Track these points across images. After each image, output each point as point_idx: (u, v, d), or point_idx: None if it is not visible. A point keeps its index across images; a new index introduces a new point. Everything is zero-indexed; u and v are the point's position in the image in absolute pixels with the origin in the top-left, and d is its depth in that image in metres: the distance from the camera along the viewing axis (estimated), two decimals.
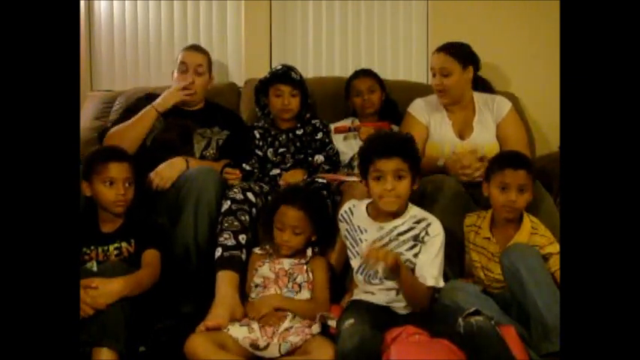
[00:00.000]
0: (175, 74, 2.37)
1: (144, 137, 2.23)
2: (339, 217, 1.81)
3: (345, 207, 1.81)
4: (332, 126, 2.46)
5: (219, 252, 1.85)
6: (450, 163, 2.07)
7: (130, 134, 2.22)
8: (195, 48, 2.45)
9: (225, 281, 1.80)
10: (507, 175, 1.76)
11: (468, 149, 2.17)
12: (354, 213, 1.77)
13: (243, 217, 1.90)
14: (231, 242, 1.85)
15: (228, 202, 1.92)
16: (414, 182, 1.68)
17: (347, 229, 1.77)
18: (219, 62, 2.92)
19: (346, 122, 2.52)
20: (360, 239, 1.72)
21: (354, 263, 1.75)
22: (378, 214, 1.72)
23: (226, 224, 1.88)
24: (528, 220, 1.80)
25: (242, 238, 1.88)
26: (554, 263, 1.71)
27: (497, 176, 1.79)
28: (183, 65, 2.34)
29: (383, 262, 1.54)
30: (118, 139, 2.19)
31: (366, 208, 1.75)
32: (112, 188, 1.77)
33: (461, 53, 2.25)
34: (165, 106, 2.26)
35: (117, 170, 1.78)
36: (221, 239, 1.86)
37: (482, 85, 2.41)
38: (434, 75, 2.27)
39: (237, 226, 1.88)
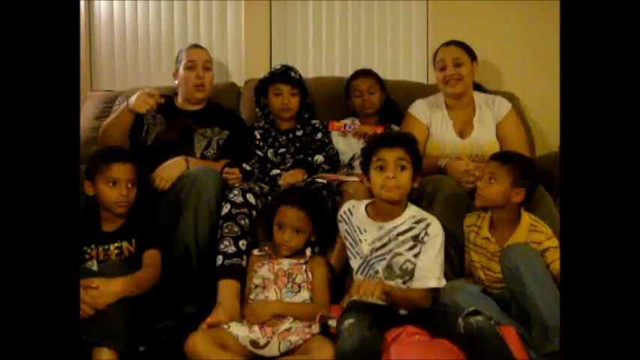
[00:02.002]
0: (182, 73, 2.36)
1: (126, 134, 2.25)
2: (339, 217, 1.81)
3: (345, 207, 1.81)
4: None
5: (219, 260, 1.86)
6: (451, 170, 2.07)
7: (112, 132, 2.25)
8: (199, 46, 2.49)
9: (227, 290, 1.81)
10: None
11: (468, 150, 2.20)
12: (354, 213, 1.77)
13: (242, 222, 1.90)
14: (231, 249, 1.86)
15: (228, 206, 1.92)
16: (415, 179, 1.69)
17: (346, 230, 1.77)
18: (219, 62, 2.92)
19: (346, 122, 2.52)
20: (360, 239, 1.73)
21: (354, 263, 1.75)
22: (377, 214, 1.73)
23: (226, 230, 1.89)
24: (527, 218, 1.81)
25: (242, 244, 1.88)
26: (551, 255, 1.72)
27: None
28: (191, 62, 2.35)
29: (370, 297, 1.55)
30: (104, 136, 2.28)
31: (366, 208, 1.75)
32: (115, 189, 1.77)
33: (469, 48, 2.30)
34: (136, 110, 2.17)
35: (120, 171, 1.78)
36: (221, 246, 1.87)
37: (476, 87, 2.42)
38: (443, 68, 2.28)
39: (236, 231, 1.88)
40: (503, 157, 1.84)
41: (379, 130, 2.36)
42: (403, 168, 1.67)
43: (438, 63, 2.30)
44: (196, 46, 2.47)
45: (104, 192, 1.78)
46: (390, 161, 1.66)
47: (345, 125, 2.43)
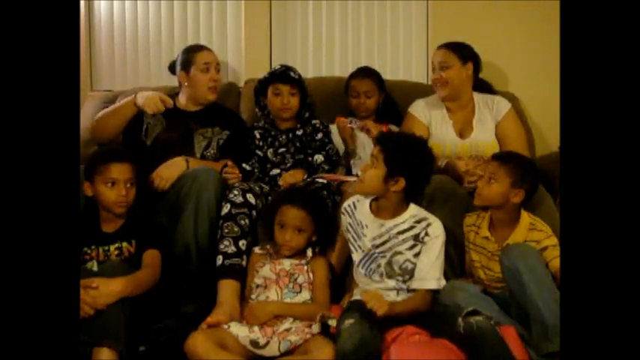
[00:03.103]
0: (194, 74, 2.32)
1: (123, 126, 2.25)
2: (342, 210, 1.81)
3: (349, 201, 1.81)
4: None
5: (220, 260, 1.86)
6: (451, 170, 2.07)
7: (109, 122, 2.26)
8: (209, 48, 2.45)
9: (227, 290, 1.81)
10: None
11: (467, 150, 2.21)
12: (357, 208, 1.78)
13: (242, 222, 1.91)
14: (231, 250, 1.86)
15: (228, 206, 1.92)
16: (391, 179, 1.66)
17: (349, 223, 1.78)
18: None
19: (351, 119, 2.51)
20: (363, 233, 1.73)
21: (356, 257, 1.76)
22: (379, 211, 1.73)
23: (226, 230, 1.89)
24: (526, 217, 1.81)
25: (242, 244, 1.89)
26: (550, 254, 1.72)
27: None
28: (206, 65, 2.33)
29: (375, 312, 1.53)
30: (99, 124, 2.28)
31: (370, 204, 1.75)
32: (114, 189, 1.77)
33: (460, 49, 2.29)
34: (143, 108, 2.18)
35: (118, 171, 1.78)
36: (221, 246, 1.87)
37: (482, 86, 2.41)
38: (433, 71, 2.31)
39: (236, 231, 1.89)
40: (504, 157, 1.85)
41: (384, 128, 2.36)
42: (373, 164, 1.68)
43: (431, 64, 2.34)
44: (207, 48, 2.42)
45: (103, 192, 1.77)
46: (371, 155, 1.72)
47: (350, 121, 2.41)
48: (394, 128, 2.44)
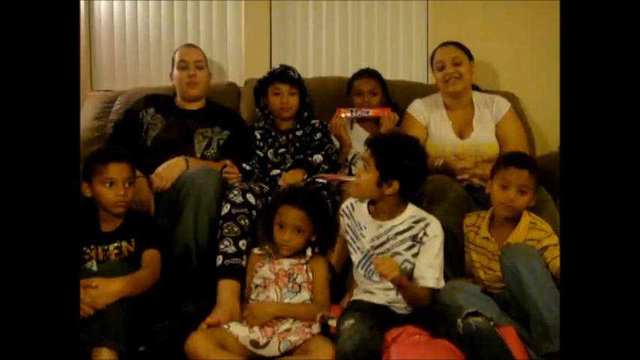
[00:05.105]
0: (175, 73, 2.40)
1: None
2: (341, 211, 1.82)
3: (347, 202, 1.81)
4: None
5: (220, 260, 1.86)
6: (448, 169, 2.08)
7: None
8: (192, 45, 2.52)
9: (227, 290, 1.81)
10: (510, 173, 1.77)
11: (467, 150, 2.20)
12: (356, 209, 1.78)
13: (242, 222, 1.91)
14: (231, 250, 1.86)
15: (228, 206, 1.92)
16: (385, 183, 1.66)
17: (348, 224, 1.78)
18: (219, 62, 2.93)
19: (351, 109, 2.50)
20: (362, 234, 1.73)
21: (355, 258, 1.76)
22: (377, 212, 1.73)
23: (226, 230, 1.89)
24: (527, 216, 1.80)
25: (242, 244, 1.89)
26: (551, 253, 1.71)
27: (500, 173, 1.79)
28: (182, 62, 2.39)
29: (386, 276, 1.54)
30: None
31: (368, 206, 1.75)
32: (112, 189, 1.77)
33: (465, 48, 2.31)
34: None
35: (116, 171, 1.78)
36: (221, 246, 1.87)
37: (473, 88, 2.41)
38: (442, 68, 2.28)
39: (236, 231, 1.89)
40: (531, 165, 1.80)
41: (378, 112, 2.36)
42: (365, 168, 1.69)
43: (437, 63, 2.31)
44: (189, 46, 2.50)
45: (102, 193, 1.77)
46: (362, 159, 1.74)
47: (351, 110, 2.39)
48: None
